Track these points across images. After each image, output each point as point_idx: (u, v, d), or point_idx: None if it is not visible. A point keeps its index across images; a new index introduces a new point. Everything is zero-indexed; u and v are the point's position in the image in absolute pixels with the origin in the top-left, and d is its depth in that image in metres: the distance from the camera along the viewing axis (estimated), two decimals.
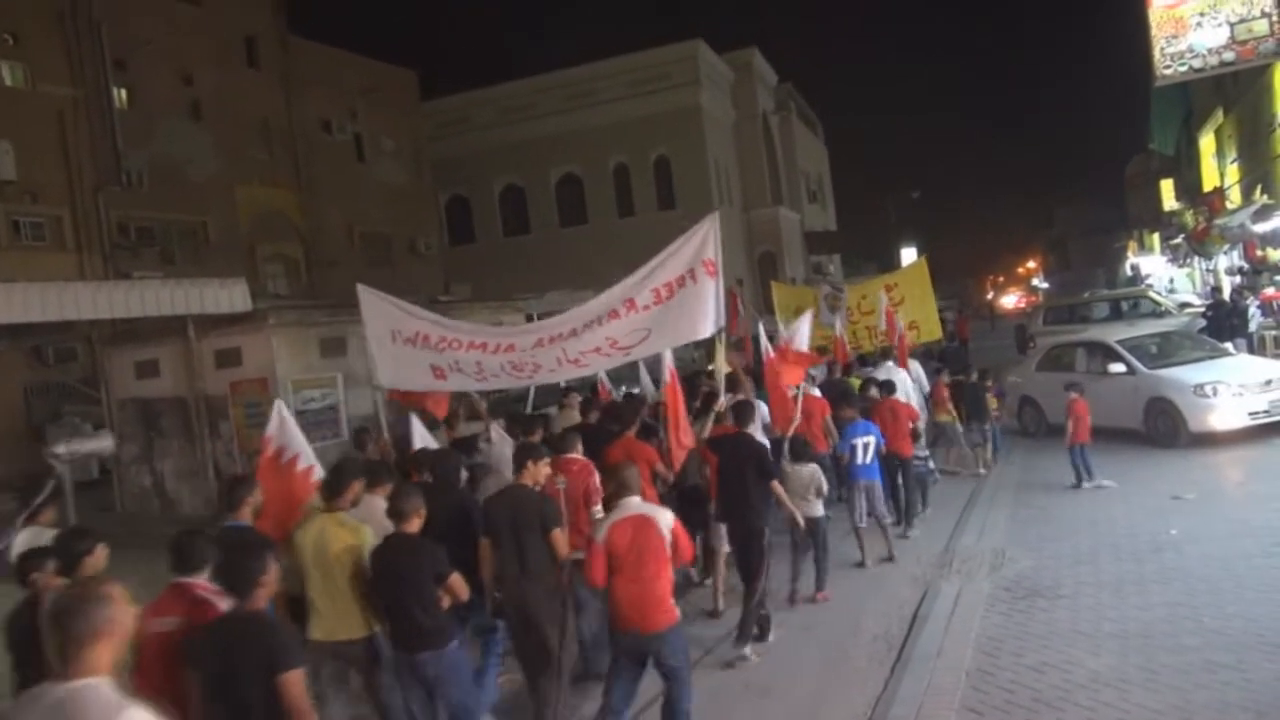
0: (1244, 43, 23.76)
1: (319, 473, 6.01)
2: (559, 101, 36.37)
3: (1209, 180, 34.34)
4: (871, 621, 6.82)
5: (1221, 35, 24.10)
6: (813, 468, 7.58)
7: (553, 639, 5.28)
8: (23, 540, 5.90)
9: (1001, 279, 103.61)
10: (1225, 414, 11.01)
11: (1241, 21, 23.69)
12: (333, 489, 5.20)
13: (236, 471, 10.71)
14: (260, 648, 3.50)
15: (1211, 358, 12.42)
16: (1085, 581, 7.03)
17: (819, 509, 7.56)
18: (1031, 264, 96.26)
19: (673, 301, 6.89)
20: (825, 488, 7.64)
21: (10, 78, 19.61)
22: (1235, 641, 5.52)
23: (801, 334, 9.07)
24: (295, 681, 3.47)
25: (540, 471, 5.55)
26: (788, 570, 7.43)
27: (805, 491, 7.39)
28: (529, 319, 20.54)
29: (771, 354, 8.85)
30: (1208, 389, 11.13)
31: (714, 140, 36.78)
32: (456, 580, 4.74)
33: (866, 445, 8.47)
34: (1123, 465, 10.58)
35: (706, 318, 6.82)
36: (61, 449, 11.82)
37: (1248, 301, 17.16)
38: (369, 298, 8.07)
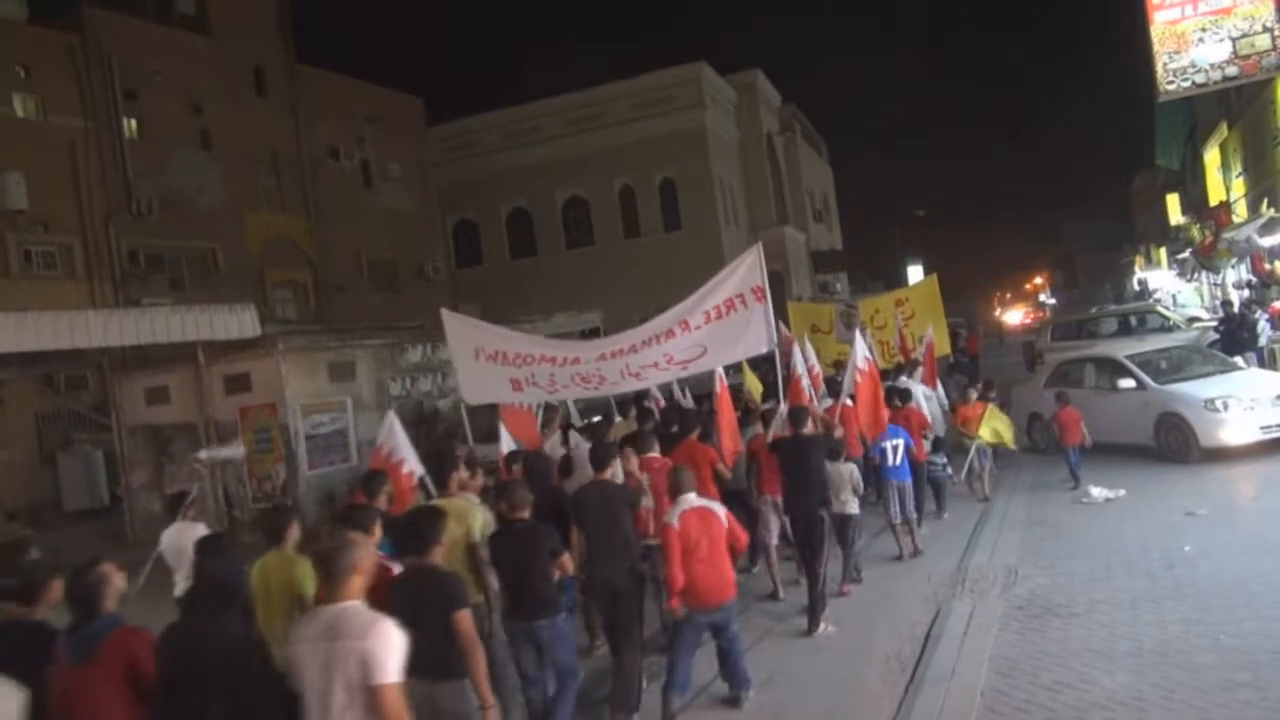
0: (1246, 57, 23.79)
1: (418, 475, 7.37)
2: (564, 125, 36.61)
3: (1215, 194, 34.31)
4: (883, 642, 6.77)
5: (1224, 50, 24.14)
6: (851, 467, 8.17)
7: (635, 613, 6.02)
8: (173, 531, 7.26)
9: (1008, 295, 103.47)
10: (1237, 428, 10.95)
11: (1244, 36, 23.73)
12: (441, 482, 6.41)
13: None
14: (440, 593, 4.36)
15: (1222, 372, 12.37)
16: (1099, 599, 6.98)
17: (854, 507, 8.11)
18: (1039, 280, 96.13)
19: (724, 322, 7.73)
20: (861, 487, 8.25)
21: (22, 109, 19.84)
22: (1252, 659, 5.47)
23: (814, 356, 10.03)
24: (466, 618, 4.35)
25: (619, 467, 6.56)
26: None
27: (842, 489, 8.00)
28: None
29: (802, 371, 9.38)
30: (1219, 403, 11.08)
31: (719, 161, 36.93)
32: (566, 558, 5.57)
33: (896, 448, 9.18)
34: (1134, 481, 10.53)
35: (759, 338, 7.68)
36: (204, 454, 12.93)
37: (1257, 315, 17.09)
38: (453, 321, 8.98)
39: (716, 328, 7.74)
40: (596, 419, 10.92)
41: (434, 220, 32.17)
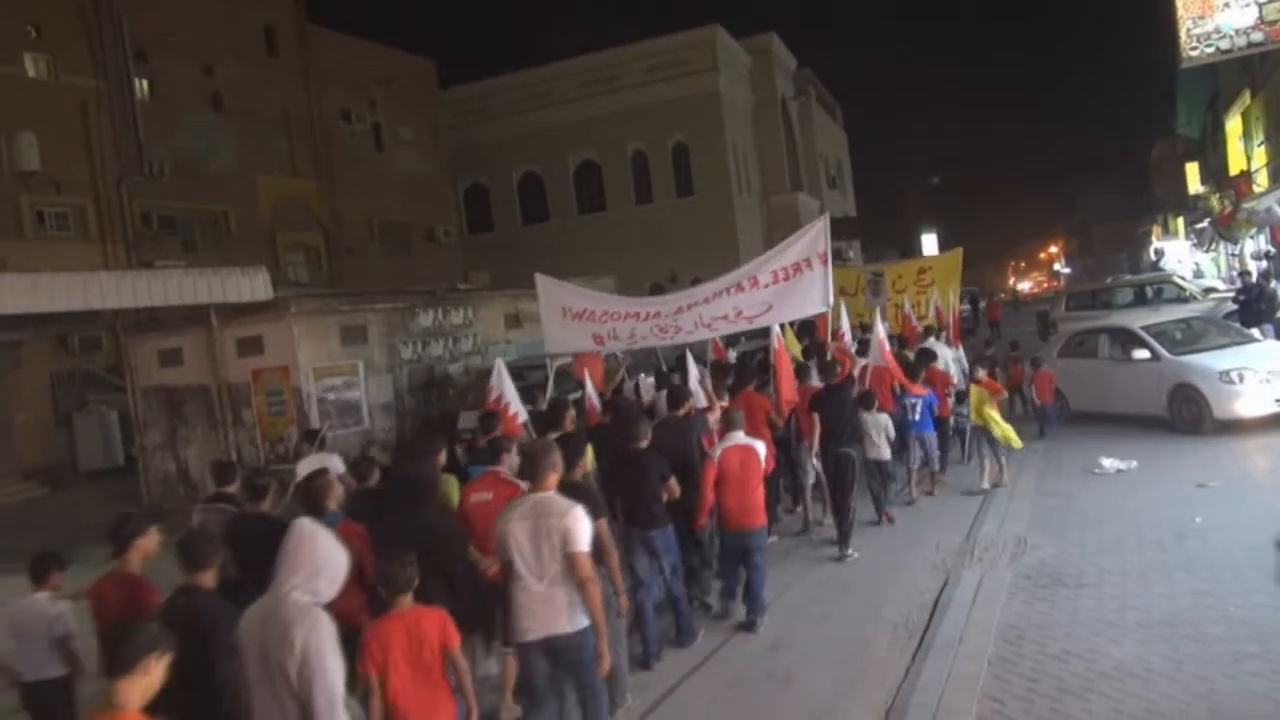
0: (1273, 23, 23.34)
1: (523, 418, 8.35)
2: (577, 88, 36.29)
3: (1235, 164, 33.83)
4: (892, 610, 6.80)
5: (1250, 15, 23.69)
6: (884, 416, 9.19)
7: (707, 527, 7.18)
8: (313, 459, 7.99)
9: (1023, 264, 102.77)
10: (1251, 400, 10.86)
11: (1270, 1, 23.28)
12: (556, 422, 7.11)
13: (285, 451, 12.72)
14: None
15: (1237, 343, 12.26)
16: (1109, 570, 6.97)
17: (886, 453, 9.15)
18: (1054, 249, 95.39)
19: (790, 283, 8.72)
20: (893, 434, 9.21)
21: (34, 70, 19.78)
22: (1262, 631, 5.47)
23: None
24: (603, 525, 5.15)
25: (689, 406, 7.67)
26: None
27: (877, 435, 9.02)
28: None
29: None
30: (1234, 375, 10.99)
31: (732, 126, 36.59)
32: (672, 481, 6.47)
33: (916, 405, 10.10)
34: (1147, 452, 10.48)
35: (819, 298, 8.72)
36: (331, 395, 13.64)
37: (1275, 286, 16.93)
38: (545, 283, 10.10)
39: (784, 287, 8.73)
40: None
41: (445, 184, 32.08)
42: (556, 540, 4.46)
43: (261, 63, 24.83)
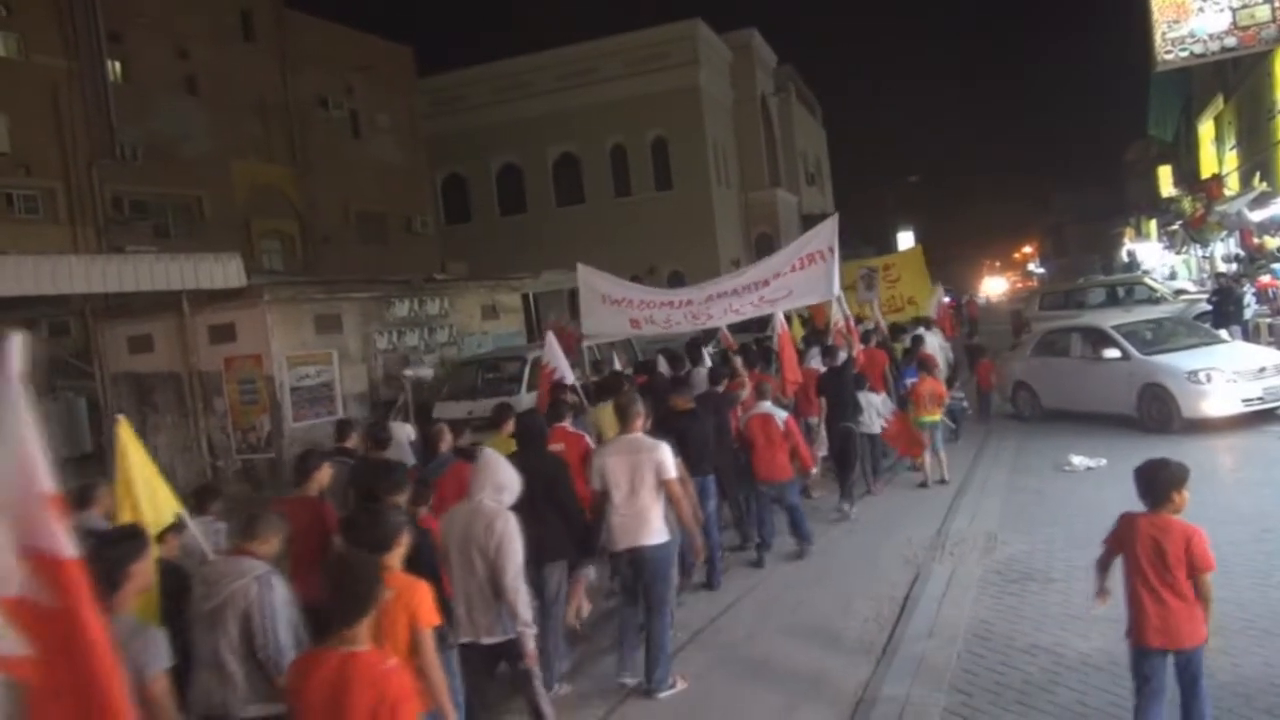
0: (1246, 28, 23.67)
1: (566, 378, 9.37)
2: (556, 80, 36.14)
3: (1207, 167, 34.31)
4: (863, 603, 6.84)
5: (1223, 20, 24.00)
6: (879, 396, 10.40)
7: (732, 481, 8.21)
8: (393, 428, 8.46)
9: (998, 263, 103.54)
10: (1219, 400, 11.03)
11: (1244, 7, 23.59)
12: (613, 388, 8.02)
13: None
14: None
15: (1206, 344, 12.45)
16: (1077, 565, 7.03)
17: (877, 428, 10.24)
18: (1028, 249, 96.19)
19: (807, 272, 10.11)
20: (887, 411, 10.31)
21: (4, 48, 19.41)
22: (1224, 627, 5.52)
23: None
24: (676, 483, 5.72)
25: (727, 382, 8.93)
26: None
27: (870, 412, 10.08)
28: (524, 299, 20.55)
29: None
30: (1202, 375, 11.15)
31: (712, 121, 36.60)
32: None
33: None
34: (1116, 450, 10.60)
35: (830, 286, 10.24)
36: (409, 371, 14.42)
37: (1244, 289, 17.17)
38: (586, 272, 11.17)
39: (802, 276, 10.08)
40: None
41: (423, 173, 31.85)
42: (649, 470, 5.58)
43: (237, 46, 24.51)
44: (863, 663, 5.82)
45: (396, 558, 3.89)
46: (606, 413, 7.49)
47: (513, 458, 5.25)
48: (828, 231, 10.22)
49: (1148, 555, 3.93)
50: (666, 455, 5.65)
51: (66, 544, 2.40)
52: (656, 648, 5.66)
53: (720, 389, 8.71)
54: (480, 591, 4.65)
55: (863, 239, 54.31)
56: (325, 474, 5.68)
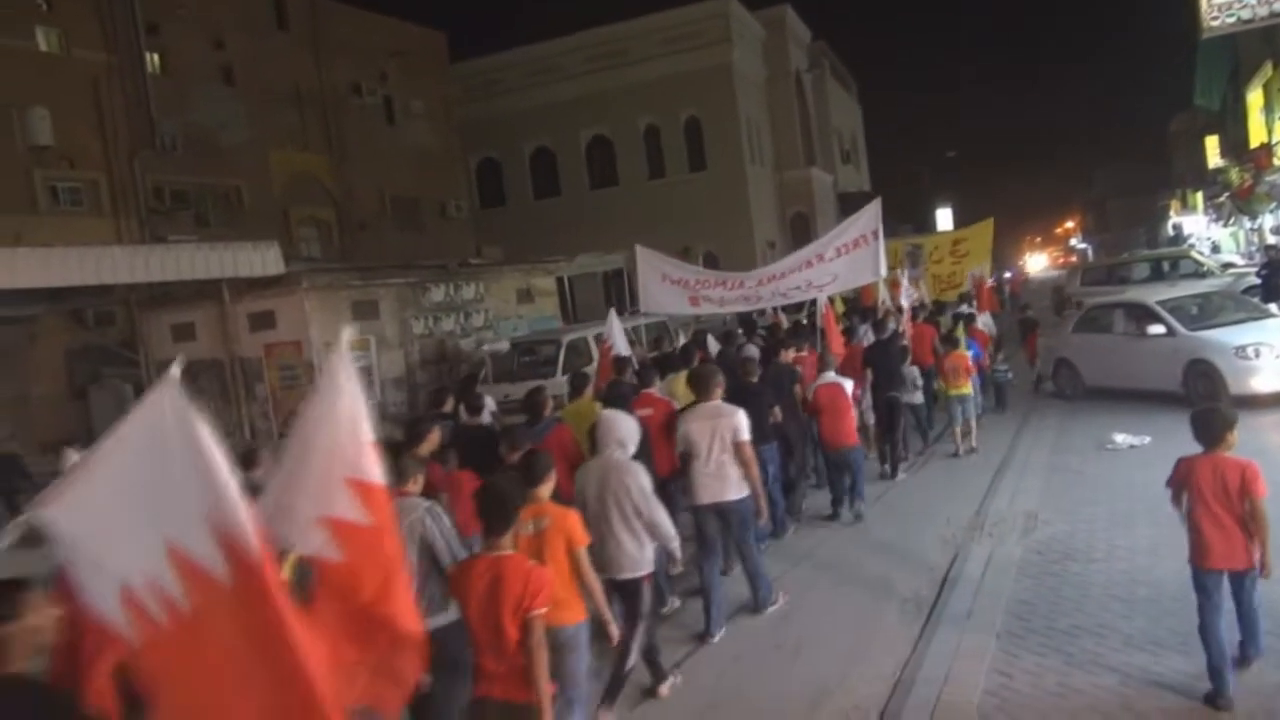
0: None
1: (622, 352, 10.13)
2: (588, 62, 36.02)
3: (1256, 136, 33.36)
4: (902, 584, 6.80)
5: None
6: (914, 369, 10.77)
7: (801, 446, 9.03)
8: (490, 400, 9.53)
9: (1038, 239, 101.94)
10: (1268, 376, 10.77)
11: None
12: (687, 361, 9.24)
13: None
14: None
15: (1254, 319, 12.13)
16: (1119, 545, 6.96)
17: (919, 397, 10.94)
18: (1070, 224, 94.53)
19: (851, 256, 10.60)
20: (920, 382, 10.85)
21: (45, 43, 19.75)
22: (1274, 606, 5.43)
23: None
24: (748, 446, 6.41)
25: (788, 356, 9.53)
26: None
27: (912, 384, 10.68)
28: (559, 282, 20.60)
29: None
30: (1249, 351, 10.89)
31: (745, 100, 36.28)
32: (777, 409, 8.11)
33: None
34: (1160, 428, 10.40)
35: (876, 267, 10.75)
36: (487, 347, 15.23)
37: None
38: (645, 253, 11.97)
39: (847, 260, 10.60)
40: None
41: (457, 159, 31.95)
42: (727, 434, 6.31)
43: (272, 36, 24.73)
44: (901, 643, 5.80)
45: (546, 490, 4.59)
46: (679, 383, 8.12)
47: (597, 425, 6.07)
48: (870, 215, 10.71)
49: (1210, 488, 4.51)
50: (742, 420, 6.36)
51: (380, 475, 3.10)
52: (755, 575, 6.58)
53: (785, 360, 9.37)
54: (613, 533, 5.25)
55: (899, 217, 53.76)
56: (435, 436, 6.21)
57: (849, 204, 45.78)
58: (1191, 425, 4.72)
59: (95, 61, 20.23)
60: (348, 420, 3.10)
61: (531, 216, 35.80)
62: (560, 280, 20.98)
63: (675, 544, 5.47)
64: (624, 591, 5.29)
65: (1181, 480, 4.68)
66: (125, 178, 20.58)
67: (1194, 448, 4.72)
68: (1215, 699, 4.46)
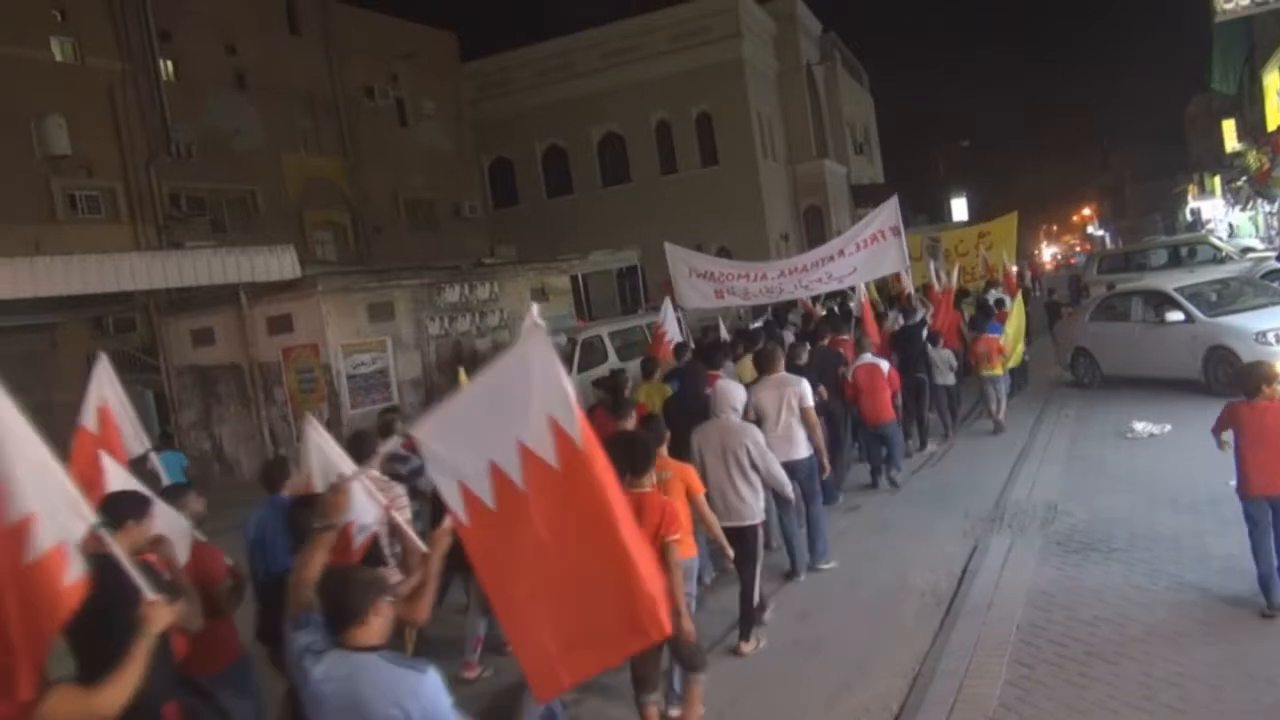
0: None
1: (676, 339, 10.65)
2: (598, 59, 35.98)
3: (1274, 119, 32.96)
4: (920, 577, 6.80)
5: None
6: (947, 352, 11.38)
7: (842, 421, 9.49)
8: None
9: (1055, 227, 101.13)
10: None
11: None
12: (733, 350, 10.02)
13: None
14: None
15: (1274, 304, 12.01)
16: (1140, 534, 6.92)
17: (951, 379, 11.46)
18: (1086, 211, 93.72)
19: (870, 250, 11.29)
20: (955, 364, 11.44)
21: (60, 53, 19.92)
22: None
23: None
24: (812, 410, 7.32)
25: (832, 338, 10.38)
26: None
27: (944, 366, 11.25)
28: (573, 280, 20.63)
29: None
30: (1270, 336, 10.79)
31: (756, 93, 36.16)
32: (822, 388, 8.36)
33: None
34: (1180, 416, 10.34)
35: (896, 261, 11.52)
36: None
37: None
38: (674, 250, 12.49)
39: (866, 254, 11.28)
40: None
41: (469, 159, 32.03)
42: (794, 400, 7.13)
43: (284, 40, 24.85)
44: (921, 637, 5.79)
45: (663, 448, 5.38)
46: (745, 365, 9.05)
47: (675, 398, 7.53)
48: (888, 212, 11.41)
49: (1254, 428, 5.31)
50: (806, 388, 7.24)
51: (575, 423, 3.37)
52: (816, 531, 7.35)
53: (827, 342, 10.23)
54: (732, 484, 5.99)
55: (914, 206, 53.46)
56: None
57: (862, 195, 45.65)
58: (1236, 379, 5.82)
59: (110, 69, 20.39)
60: (545, 375, 3.45)
61: (545, 215, 35.83)
62: (574, 278, 20.99)
63: (788, 488, 6.44)
64: (741, 537, 5.86)
65: (1225, 423, 5.51)
66: (142, 185, 20.74)
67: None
68: (1267, 606, 5.22)
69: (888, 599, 6.52)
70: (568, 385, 3.42)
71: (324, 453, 4.63)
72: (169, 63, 21.76)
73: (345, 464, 4.44)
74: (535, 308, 3.93)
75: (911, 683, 5.24)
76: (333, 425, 13.38)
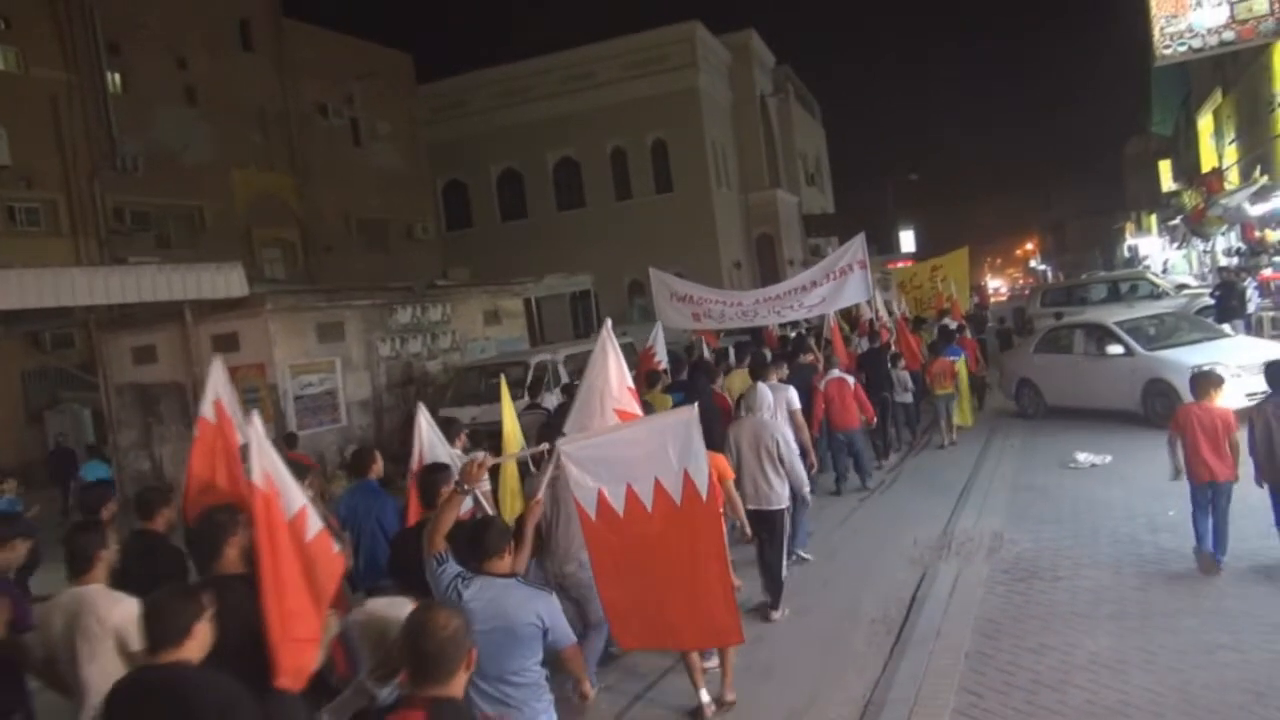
0: (1244, 22, 23.63)
1: (665, 362, 11.10)
2: (555, 84, 36.11)
3: (1207, 161, 34.22)
4: (870, 605, 6.84)
5: (1221, 15, 23.97)
6: (906, 374, 12.54)
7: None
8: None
9: (999, 260, 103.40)
10: (1223, 395, 10.97)
11: (1241, 1, 23.56)
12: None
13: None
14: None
15: (1210, 339, 12.39)
16: (1084, 563, 7.04)
17: (909, 398, 12.76)
18: (1029, 245, 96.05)
19: (838, 282, 12.04)
20: (912, 386, 12.66)
21: (3, 62, 19.47)
22: (1233, 623, 5.54)
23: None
24: (799, 413, 8.67)
25: (809, 358, 11.51)
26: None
27: (901, 387, 12.54)
28: (527, 303, 20.56)
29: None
30: (1206, 370, 11.10)
31: (711, 123, 36.57)
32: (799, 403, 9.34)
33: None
34: (1121, 447, 10.59)
35: (860, 292, 12.23)
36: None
37: (1245, 283, 17.12)
38: (657, 275, 13.08)
39: (834, 285, 12.06)
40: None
41: (423, 180, 31.89)
42: (784, 405, 8.15)
43: (236, 56, 24.58)
44: (871, 665, 5.81)
45: None
46: (735, 379, 10.04)
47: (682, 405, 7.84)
48: (855, 248, 12.25)
49: (1197, 425, 6.65)
50: (794, 394, 8.52)
51: (704, 479, 4.51)
52: (795, 524, 7.78)
53: (806, 360, 11.32)
54: (763, 473, 6.84)
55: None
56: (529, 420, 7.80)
57: (814, 225, 46.32)
58: (1189, 384, 7.12)
59: (54, 80, 19.96)
60: (615, 371, 5.49)
61: (499, 238, 35.71)
62: (528, 302, 20.93)
63: (806, 488, 7.32)
64: (769, 519, 6.76)
65: (1181, 421, 6.51)
66: (85, 198, 20.27)
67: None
68: (1196, 548, 6.41)
69: (839, 626, 6.54)
70: (702, 449, 4.52)
71: (426, 434, 5.85)
72: (117, 75, 21.38)
73: (444, 446, 5.91)
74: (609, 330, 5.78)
75: (862, 710, 5.25)
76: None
